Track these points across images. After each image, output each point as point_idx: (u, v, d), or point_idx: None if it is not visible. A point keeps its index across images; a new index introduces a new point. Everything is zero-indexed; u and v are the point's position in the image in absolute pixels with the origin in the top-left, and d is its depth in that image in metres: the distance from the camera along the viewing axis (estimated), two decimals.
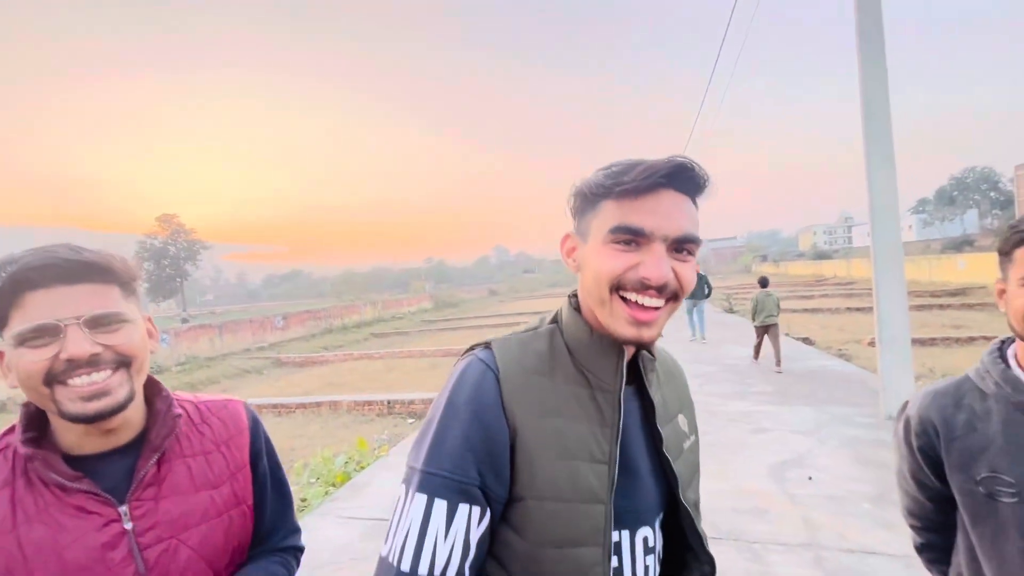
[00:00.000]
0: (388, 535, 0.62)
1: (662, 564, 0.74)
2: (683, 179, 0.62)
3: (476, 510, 0.61)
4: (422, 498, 0.61)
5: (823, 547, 2.85)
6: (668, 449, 0.71)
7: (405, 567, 0.59)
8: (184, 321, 31.37)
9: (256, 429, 0.86)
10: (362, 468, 4.79)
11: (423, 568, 0.59)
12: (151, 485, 0.72)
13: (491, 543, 0.63)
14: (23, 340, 0.63)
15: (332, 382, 12.36)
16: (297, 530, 0.93)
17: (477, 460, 0.61)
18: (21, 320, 0.63)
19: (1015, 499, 0.76)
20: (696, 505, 0.75)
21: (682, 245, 0.62)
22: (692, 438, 0.79)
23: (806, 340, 11.07)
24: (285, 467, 0.93)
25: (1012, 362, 0.81)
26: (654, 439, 0.71)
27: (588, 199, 0.66)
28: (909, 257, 36.48)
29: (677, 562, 0.76)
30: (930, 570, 0.99)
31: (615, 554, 0.65)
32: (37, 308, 0.63)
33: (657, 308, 0.62)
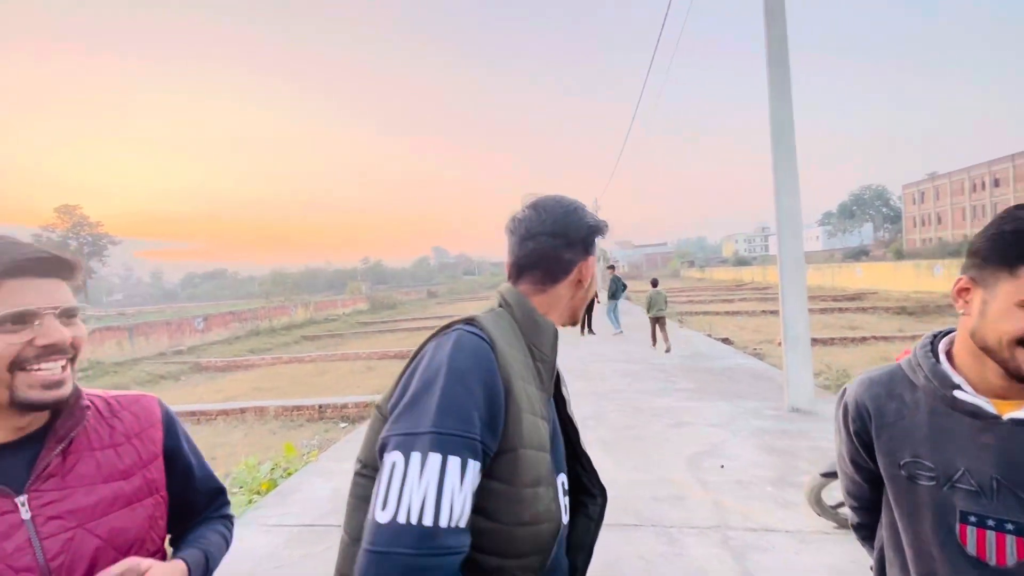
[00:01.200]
0: (388, 500, 0.63)
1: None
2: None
3: (478, 465, 0.67)
4: (437, 457, 0.64)
5: (730, 527, 3.12)
6: (569, 410, 0.89)
7: (427, 521, 0.62)
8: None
9: (170, 422, 0.89)
10: (290, 474, 4.62)
11: (443, 520, 0.62)
12: (54, 476, 0.73)
13: (477, 496, 0.69)
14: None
15: (258, 387, 11.75)
16: (227, 502, 1.01)
17: (481, 419, 0.68)
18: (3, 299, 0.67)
19: (932, 482, 0.82)
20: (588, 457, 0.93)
21: None
22: (572, 405, 0.97)
23: (726, 340, 11.88)
24: None
25: (942, 357, 0.85)
26: (559, 404, 0.89)
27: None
28: (815, 265, 40.04)
29: (575, 501, 0.92)
30: (863, 546, 1.07)
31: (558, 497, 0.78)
32: (13, 296, 0.67)
33: None
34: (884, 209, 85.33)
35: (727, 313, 19.52)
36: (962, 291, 0.80)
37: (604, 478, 3.71)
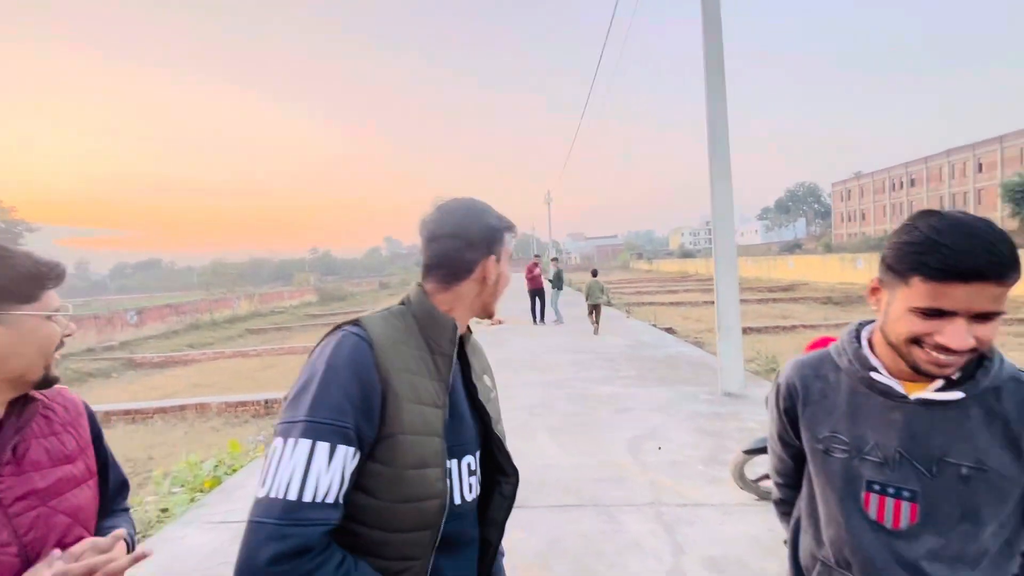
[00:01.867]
0: (266, 479, 0.73)
1: (481, 484, 0.97)
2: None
3: (351, 450, 0.76)
4: (306, 442, 0.73)
5: (664, 504, 3.36)
6: (480, 396, 0.96)
7: (292, 496, 0.71)
8: None
9: (91, 413, 1.01)
10: (235, 471, 4.53)
11: (307, 496, 0.71)
12: (10, 463, 0.81)
13: (359, 477, 0.78)
14: (51, 315, 0.86)
15: (199, 383, 11.25)
16: (128, 495, 1.12)
17: (354, 410, 0.77)
18: (47, 303, 0.86)
19: (845, 454, 0.91)
20: (503, 435, 1.01)
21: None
22: (495, 393, 1.05)
23: (669, 329, 12.43)
24: (140, 479, 1.06)
25: (864, 343, 0.93)
26: (471, 391, 0.96)
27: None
28: (753, 258, 42.25)
29: (491, 480, 1.00)
30: (781, 521, 1.15)
31: (448, 477, 0.86)
32: (52, 299, 0.88)
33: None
34: (816, 205, 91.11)
35: (672, 304, 20.37)
36: (874, 291, 0.88)
37: (550, 462, 3.89)
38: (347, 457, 0.75)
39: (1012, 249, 0.73)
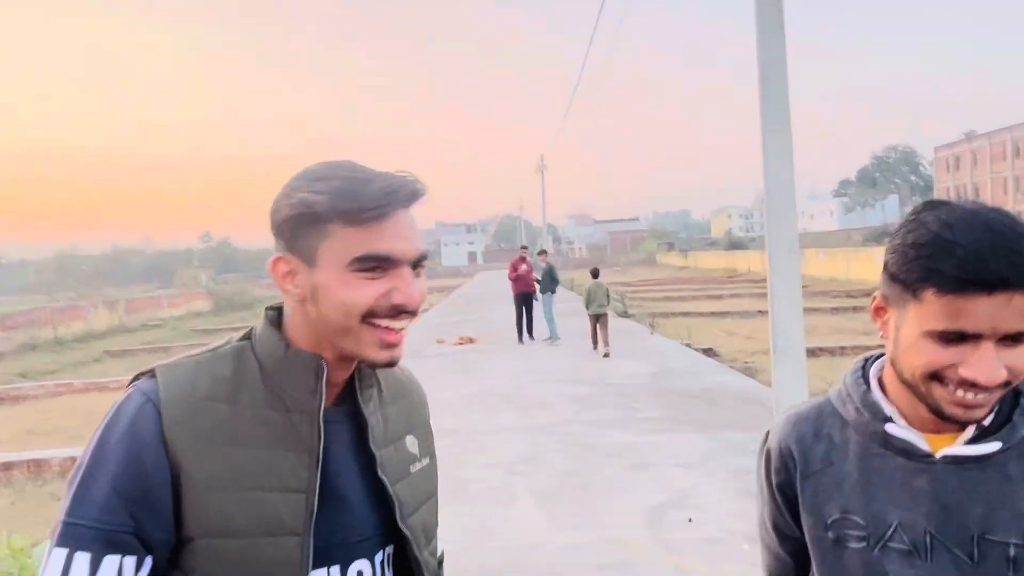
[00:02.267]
0: None
1: None
2: (412, 196, 0.82)
3: (130, 560, 0.73)
4: (62, 552, 0.72)
5: None
6: (385, 472, 0.87)
7: None
8: None
9: None
10: None
11: None
12: None
13: None
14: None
15: (34, 430, 11.03)
16: None
17: (129, 504, 0.73)
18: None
19: (862, 543, 0.87)
20: (428, 530, 0.94)
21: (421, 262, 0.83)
22: (425, 461, 0.98)
23: (709, 351, 12.59)
24: None
25: (874, 383, 0.91)
26: (371, 463, 0.88)
27: (310, 220, 0.80)
28: (827, 250, 42.96)
29: None
30: None
31: None
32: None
33: (403, 329, 0.82)
34: (913, 177, 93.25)
35: (714, 314, 20.59)
36: (878, 310, 0.88)
37: (534, 541, 3.96)
38: (123, 570, 0.72)
39: None
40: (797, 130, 6.03)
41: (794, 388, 5.90)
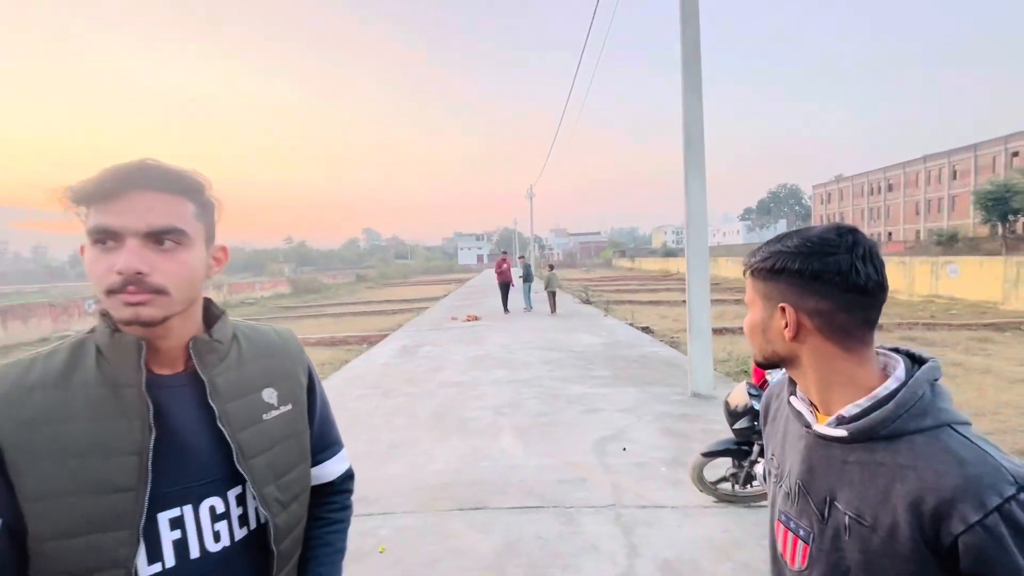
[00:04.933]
0: None
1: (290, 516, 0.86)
2: (152, 178, 0.72)
3: None
4: None
5: (624, 506, 3.40)
6: (227, 422, 0.79)
7: None
8: None
9: None
10: None
11: None
12: None
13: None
14: None
15: None
16: None
17: None
18: None
19: (775, 479, 0.88)
20: (277, 467, 0.84)
21: (161, 237, 0.72)
22: (283, 408, 0.87)
23: (646, 329, 12.54)
24: None
25: None
26: (212, 416, 0.79)
27: (77, 204, 0.72)
28: (734, 258, 43.00)
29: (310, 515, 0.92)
30: None
31: (177, 528, 0.75)
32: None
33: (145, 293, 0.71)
34: (797, 207, 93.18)
35: (651, 302, 20.56)
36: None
37: (514, 463, 3.93)
38: None
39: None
40: (718, 169, 6.02)
41: (703, 357, 5.92)
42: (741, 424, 3.01)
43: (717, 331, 11.00)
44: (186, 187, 0.75)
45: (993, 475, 0.64)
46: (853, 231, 0.75)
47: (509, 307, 15.56)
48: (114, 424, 0.72)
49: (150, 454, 0.72)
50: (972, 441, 0.68)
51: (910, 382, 0.72)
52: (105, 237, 0.70)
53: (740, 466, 3.24)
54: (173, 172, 0.74)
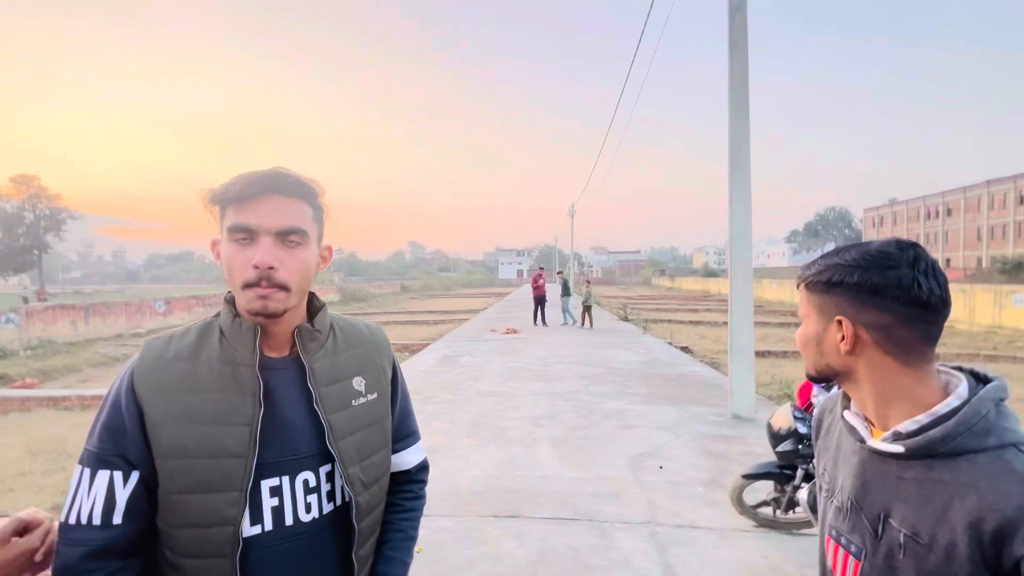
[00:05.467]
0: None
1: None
2: (281, 184, 0.81)
3: (118, 474, 0.77)
4: (79, 468, 0.78)
5: (659, 523, 3.31)
6: (323, 405, 0.85)
7: (62, 518, 0.77)
8: (25, 300, 26.95)
9: None
10: None
11: (71, 519, 0.76)
12: None
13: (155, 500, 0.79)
14: None
15: None
16: None
17: (114, 435, 0.78)
18: None
19: (826, 494, 0.87)
20: (363, 449, 0.89)
21: (288, 236, 0.81)
22: (370, 396, 0.93)
23: (685, 348, 12.25)
24: None
25: None
26: (310, 398, 0.85)
27: (215, 205, 0.83)
28: (779, 280, 41.39)
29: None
30: None
31: (275, 495, 0.81)
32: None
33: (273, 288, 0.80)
34: (846, 231, 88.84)
35: (691, 322, 20.04)
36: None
37: (549, 474, 3.91)
38: (110, 482, 0.76)
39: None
40: (763, 191, 5.88)
41: (745, 378, 5.72)
42: (784, 447, 2.89)
43: (760, 353, 10.60)
44: (307, 192, 0.84)
45: None
46: (914, 245, 0.74)
47: (547, 321, 15.78)
48: (232, 397, 0.80)
49: (259, 426, 0.79)
50: None
51: (973, 400, 0.70)
52: (244, 234, 0.78)
53: (782, 491, 3.11)
54: (298, 179, 0.82)
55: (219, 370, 0.80)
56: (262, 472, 0.79)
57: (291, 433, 0.83)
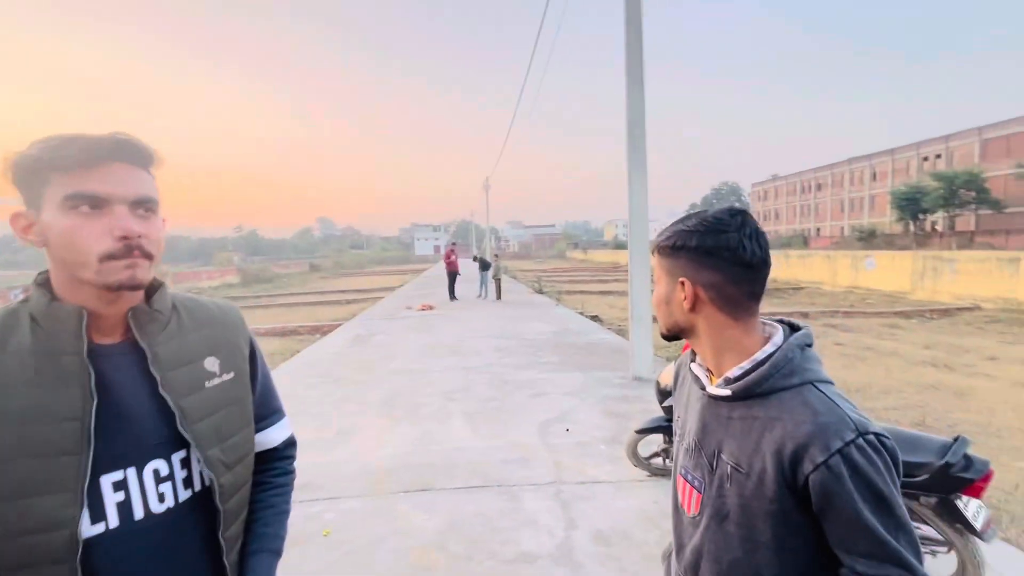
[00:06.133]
0: None
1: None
2: (131, 151, 0.75)
3: None
4: None
5: (564, 482, 3.51)
6: (169, 389, 0.80)
7: None
8: None
9: None
10: None
11: None
12: None
13: None
14: None
15: None
16: None
17: None
18: None
19: (680, 439, 0.95)
20: (221, 431, 0.85)
21: (143, 205, 0.76)
22: (225, 376, 0.88)
23: (595, 317, 12.85)
24: None
25: None
26: (154, 383, 0.80)
27: (34, 172, 0.72)
28: None
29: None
30: None
31: (120, 490, 0.75)
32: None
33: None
34: (737, 204, 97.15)
35: (601, 292, 21.00)
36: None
37: (461, 446, 3.96)
38: None
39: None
40: (668, 164, 6.20)
41: (644, 342, 6.15)
42: (670, 402, 3.17)
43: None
44: (152, 161, 0.79)
45: (839, 423, 0.73)
46: (743, 212, 0.83)
47: (456, 295, 16.13)
48: (54, 391, 0.72)
49: (92, 419, 0.72)
50: (828, 396, 0.77)
51: (783, 346, 0.81)
52: (89, 203, 0.71)
53: (670, 441, 3.42)
54: (145, 146, 0.77)
55: (34, 362, 0.72)
56: (101, 467, 0.73)
57: (133, 423, 0.77)
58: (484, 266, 17.08)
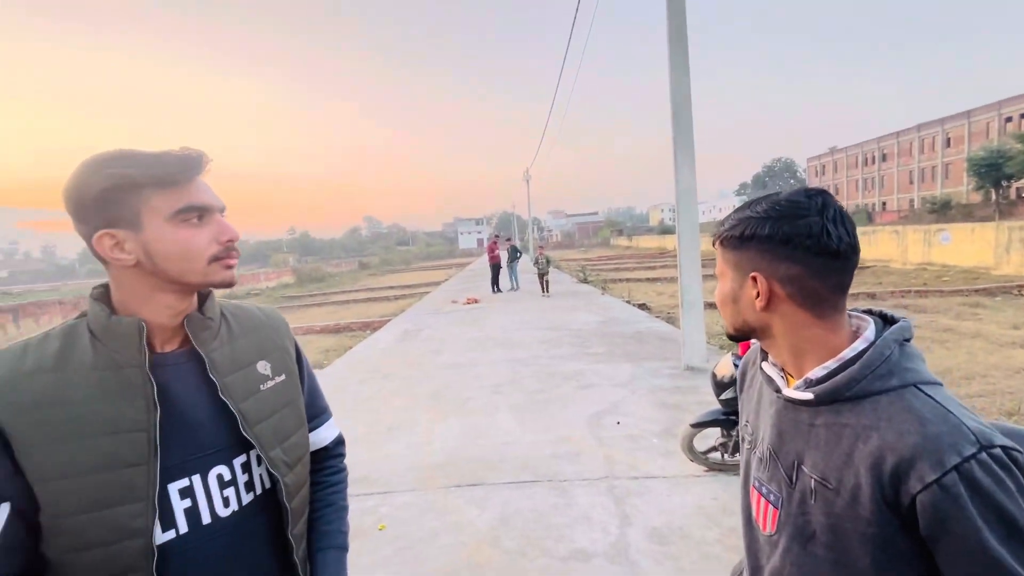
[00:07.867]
0: None
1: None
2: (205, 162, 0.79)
3: None
4: None
5: (616, 477, 3.43)
6: (229, 394, 0.81)
7: None
8: None
9: None
10: None
11: None
12: None
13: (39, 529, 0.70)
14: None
15: None
16: None
17: None
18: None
19: (749, 446, 0.87)
20: (280, 432, 0.87)
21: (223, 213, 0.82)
22: (277, 379, 0.90)
23: (643, 306, 12.55)
24: None
25: None
26: (214, 389, 0.81)
27: (130, 191, 0.73)
28: None
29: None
30: None
31: (187, 497, 0.77)
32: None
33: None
34: (792, 180, 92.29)
35: (648, 280, 20.51)
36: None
37: (509, 440, 3.94)
38: None
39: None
40: (715, 144, 5.94)
41: (696, 331, 5.92)
42: (727, 395, 3.01)
43: (710, 305, 11.01)
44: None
45: (954, 434, 0.61)
46: (822, 192, 0.73)
47: (500, 288, 15.97)
48: (118, 404, 0.73)
49: (157, 430, 0.74)
50: (936, 401, 0.65)
51: (877, 343, 0.70)
52: (197, 214, 0.76)
53: (728, 435, 3.26)
54: (208, 158, 0.81)
55: (96, 376, 0.73)
56: (168, 476, 0.75)
57: (195, 430, 0.79)
58: (513, 255, 16.09)
